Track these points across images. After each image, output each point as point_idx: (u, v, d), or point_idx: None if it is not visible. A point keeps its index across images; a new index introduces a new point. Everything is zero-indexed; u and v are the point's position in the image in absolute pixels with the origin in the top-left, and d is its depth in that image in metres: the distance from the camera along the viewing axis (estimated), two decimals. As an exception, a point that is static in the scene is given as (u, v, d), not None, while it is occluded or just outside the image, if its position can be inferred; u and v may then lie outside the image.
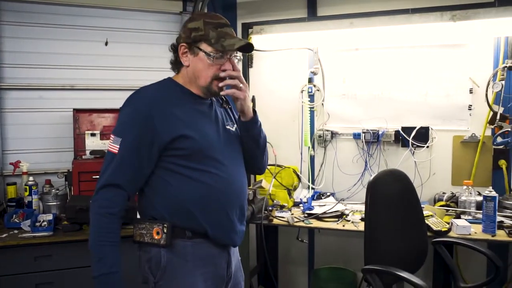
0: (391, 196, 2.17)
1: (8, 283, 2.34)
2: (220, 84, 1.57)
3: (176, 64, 1.64)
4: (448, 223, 2.42)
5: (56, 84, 3.03)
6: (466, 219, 2.50)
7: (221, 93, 1.59)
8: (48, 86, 3.02)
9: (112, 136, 1.52)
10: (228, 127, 1.69)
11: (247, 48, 1.60)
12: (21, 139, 2.97)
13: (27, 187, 2.71)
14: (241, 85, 1.58)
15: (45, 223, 2.45)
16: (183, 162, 1.53)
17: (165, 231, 1.52)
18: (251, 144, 1.72)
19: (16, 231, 2.46)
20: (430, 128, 2.95)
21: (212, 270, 1.61)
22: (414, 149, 2.98)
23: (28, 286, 2.37)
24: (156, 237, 1.53)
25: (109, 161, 1.50)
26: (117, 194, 1.49)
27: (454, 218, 2.55)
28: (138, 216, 1.67)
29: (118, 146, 1.49)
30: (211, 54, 1.53)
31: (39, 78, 3.00)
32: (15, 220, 2.54)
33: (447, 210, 2.66)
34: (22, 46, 2.94)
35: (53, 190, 2.77)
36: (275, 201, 2.92)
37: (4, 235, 2.40)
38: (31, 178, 2.76)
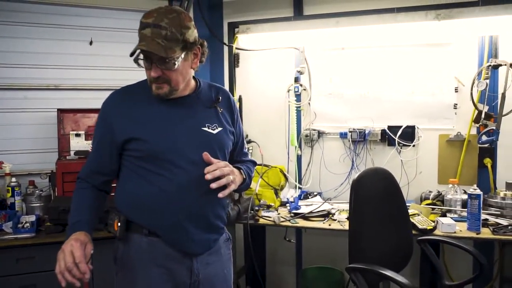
0: (375, 194, 2.16)
1: (-11, 286, 2.31)
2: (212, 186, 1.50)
3: None
4: (434, 222, 2.43)
5: (41, 84, 3.00)
6: (451, 217, 2.51)
7: (219, 195, 1.51)
8: (32, 86, 2.98)
9: None
10: (205, 128, 1.61)
11: (153, 53, 1.45)
12: (5, 139, 2.92)
13: (10, 188, 2.68)
14: (230, 178, 1.53)
15: (27, 224, 2.42)
16: (139, 162, 1.56)
17: (119, 224, 1.57)
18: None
19: (-3, 233, 2.43)
20: (416, 127, 2.96)
21: (170, 273, 1.58)
22: (401, 148, 2.98)
23: (11, 289, 2.34)
24: (116, 229, 1.58)
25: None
26: (85, 184, 1.64)
27: (440, 216, 2.55)
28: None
29: (92, 146, 1.67)
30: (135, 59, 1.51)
31: (23, 78, 2.96)
32: (-3, 222, 2.51)
33: (433, 209, 2.66)
34: (5, 45, 2.90)
35: (37, 191, 2.73)
36: (261, 201, 2.91)
37: (-15, 237, 2.37)
38: (13, 179, 2.72)
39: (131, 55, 1.49)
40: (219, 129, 1.65)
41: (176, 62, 1.49)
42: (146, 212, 1.55)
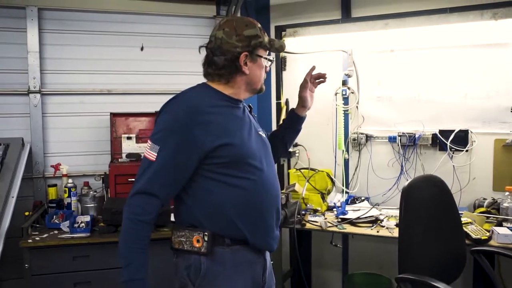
0: (426, 202, 2.10)
1: (49, 281, 2.44)
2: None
3: (231, 74, 1.57)
4: (489, 231, 2.33)
5: (95, 89, 3.13)
6: (508, 227, 2.39)
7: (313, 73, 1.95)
8: (87, 91, 3.11)
9: (149, 142, 1.48)
10: (260, 132, 1.70)
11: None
12: (62, 142, 3.07)
13: (67, 189, 2.82)
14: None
15: (83, 224, 2.54)
16: (223, 169, 1.50)
17: (205, 239, 1.50)
18: (292, 134, 1.96)
19: (56, 232, 2.57)
20: (469, 131, 2.84)
21: (251, 276, 1.61)
22: (453, 153, 2.87)
23: (68, 285, 2.46)
24: (197, 245, 1.51)
25: (145, 168, 1.47)
26: (150, 202, 1.46)
27: (495, 225, 2.44)
28: (172, 219, 1.72)
29: (156, 154, 1.45)
30: (268, 58, 1.63)
31: (78, 83, 3.10)
32: (55, 220, 2.64)
33: (488, 217, 2.55)
34: (62, 52, 3.05)
35: (91, 192, 2.86)
36: (308, 205, 2.90)
37: (45, 235, 2.51)
38: (70, 180, 2.86)
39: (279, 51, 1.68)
40: (265, 132, 1.77)
41: None
42: (236, 218, 1.53)
